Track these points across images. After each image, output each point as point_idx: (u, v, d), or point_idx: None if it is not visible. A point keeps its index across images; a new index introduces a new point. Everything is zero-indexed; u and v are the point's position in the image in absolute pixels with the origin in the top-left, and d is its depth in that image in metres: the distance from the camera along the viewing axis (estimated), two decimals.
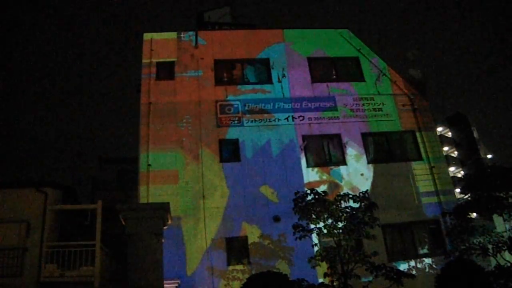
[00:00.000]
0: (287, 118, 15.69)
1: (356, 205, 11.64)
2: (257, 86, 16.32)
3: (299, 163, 14.97)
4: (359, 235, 11.37)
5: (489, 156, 47.51)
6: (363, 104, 16.47)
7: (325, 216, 11.45)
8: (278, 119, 15.64)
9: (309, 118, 15.83)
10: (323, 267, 11.37)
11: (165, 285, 9.12)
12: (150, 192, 13.69)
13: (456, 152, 49.04)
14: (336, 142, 15.72)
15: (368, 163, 15.44)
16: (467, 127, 48.61)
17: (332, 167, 15.14)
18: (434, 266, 13.81)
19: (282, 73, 16.65)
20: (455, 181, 30.15)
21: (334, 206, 11.44)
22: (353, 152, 15.49)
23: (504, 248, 11.71)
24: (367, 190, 12.55)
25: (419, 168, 15.60)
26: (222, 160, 14.68)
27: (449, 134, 50.15)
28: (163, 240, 9.30)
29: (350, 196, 11.77)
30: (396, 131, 16.24)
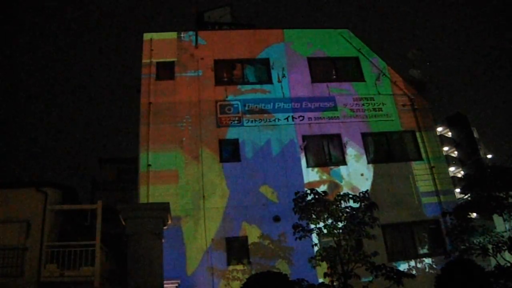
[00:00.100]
0: (287, 118, 15.69)
1: (356, 205, 11.64)
2: (257, 86, 16.32)
3: (299, 163, 14.96)
4: (359, 235, 11.37)
5: (489, 156, 47.43)
6: (363, 104, 16.47)
7: (325, 216, 11.45)
8: (278, 119, 15.63)
9: (309, 118, 15.83)
10: (323, 267, 11.38)
11: (165, 285, 9.12)
12: (150, 192, 13.69)
13: (456, 152, 48.93)
14: (336, 142, 15.72)
15: (368, 163, 15.44)
16: (467, 127, 48.47)
17: (332, 167, 15.14)
18: (434, 266, 13.81)
19: (282, 73, 16.64)
20: (455, 181, 30.13)
21: (334, 206, 11.44)
22: (353, 152, 15.49)
23: (504, 248, 11.69)
24: (367, 190, 12.54)
25: (419, 168, 15.60)
26: (222, 160, 14.68)
27: (449, 134, 50.05)
28: (163, 240, 9.31)
29: (350, 196, 11.76)
30: (396, 131, 16.24)
